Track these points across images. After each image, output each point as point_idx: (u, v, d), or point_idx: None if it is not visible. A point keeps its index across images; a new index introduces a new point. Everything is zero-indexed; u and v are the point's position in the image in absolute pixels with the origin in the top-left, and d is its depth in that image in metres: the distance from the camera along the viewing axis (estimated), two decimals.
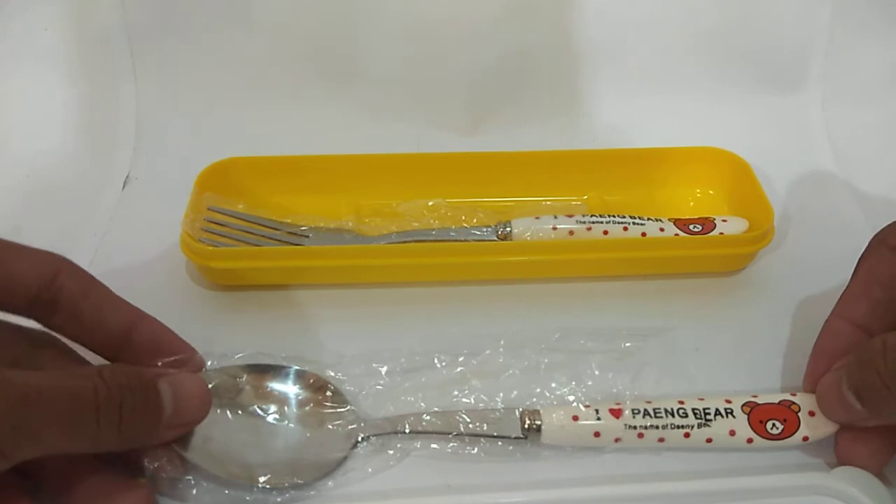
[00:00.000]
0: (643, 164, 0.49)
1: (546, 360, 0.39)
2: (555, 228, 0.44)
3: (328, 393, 0.37)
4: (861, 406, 0.32)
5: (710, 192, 0.49)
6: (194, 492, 0.33)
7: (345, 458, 0.35)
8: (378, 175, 0.48)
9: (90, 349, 0.34)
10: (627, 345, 0.40)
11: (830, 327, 0.36)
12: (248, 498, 0.33)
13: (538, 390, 0.38)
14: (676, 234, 0.44)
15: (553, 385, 0.38)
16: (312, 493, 0.34)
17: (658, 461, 0.36)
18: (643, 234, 0.44)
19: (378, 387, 0.38)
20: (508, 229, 0.44)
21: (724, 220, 0.45)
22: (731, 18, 0.52)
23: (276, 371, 0.37)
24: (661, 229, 0.44)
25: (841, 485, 0.34)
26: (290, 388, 0.37)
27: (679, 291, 0.44)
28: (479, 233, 0.44)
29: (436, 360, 0.38)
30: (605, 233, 0.44)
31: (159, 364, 0.34)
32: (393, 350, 0.39)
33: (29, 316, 0.33)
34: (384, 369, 0.38)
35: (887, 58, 0.53)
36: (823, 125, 0.53)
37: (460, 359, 0.39)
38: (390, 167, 0.48)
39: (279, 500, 0.34)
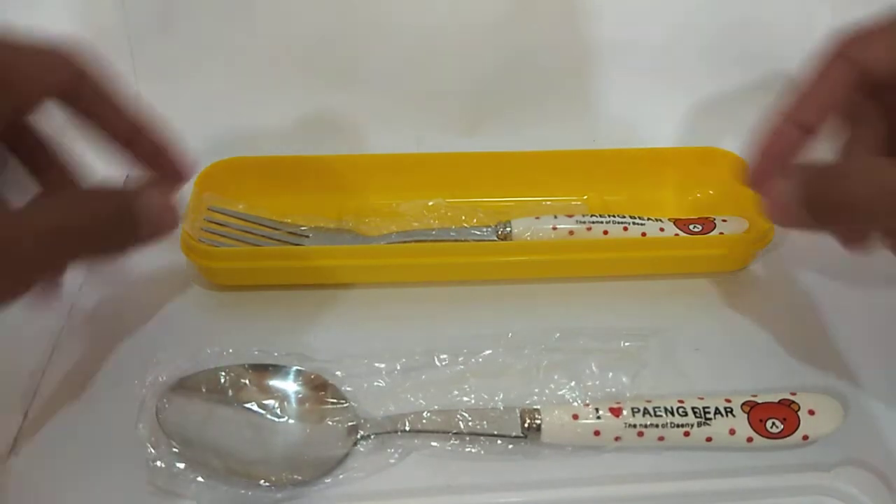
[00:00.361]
0: (643, 164, 0.49)
1: (546, 360, 0.39)
2: (555, 228, 0.44)
3: (328, 391, 0.37)
4: (813, 220, 0.33)
5: (710, 191, 0.49)
6: (194, 489, 0.33)
7: (345, 457, 0.35)
8: (378, 175, 0.48)
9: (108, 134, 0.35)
10: (627, 345, 0.40)
11: (777, 128, 0.36)
12: (248, 495, 0.33)
13: (538, 390, 0.38)
14: (676, 234, 0.44)
15: (553, 385, 0.38)
16: (312, 490, 0.34)
17: (658, 461, 0.36)
18: (643, 234, 0.44)
19: (378, 385, 0.38)
20: (508, 229, 0.44)
21: (724, 220, 0.45)
22: (731, 19, 0.52)
23: (277, 369, 0.37)
24: (661, 229, 0.44)
25: (841, 485, 0.34)
26: (290, 387, 0.37)
27: (679, 291, 0.44)
28: (479, 233, 0.45)
29: (436, 360, 0.39)
30: (605, 233, 0.44)
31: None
32: (393, 349, 0.39)
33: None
34: (384, 368, 0.38)
35: None
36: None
37: (460, 358, 0.39)
38: (391, 167, 0.48)
39: (279, 497, 0.34)
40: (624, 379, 0.38)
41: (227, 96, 0.53)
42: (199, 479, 0.34)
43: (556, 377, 0.38)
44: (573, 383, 0.38)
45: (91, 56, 0.34)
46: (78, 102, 0.34)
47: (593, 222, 0.44)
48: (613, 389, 0.38)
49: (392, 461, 0.35)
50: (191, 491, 0.34)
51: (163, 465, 0.34)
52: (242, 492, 0.34)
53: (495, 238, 0.44)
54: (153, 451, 0.34)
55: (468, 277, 0.44)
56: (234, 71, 0.53)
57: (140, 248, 0.33)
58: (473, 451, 0.35)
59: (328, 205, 0.47)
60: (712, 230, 0.44)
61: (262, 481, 0.33)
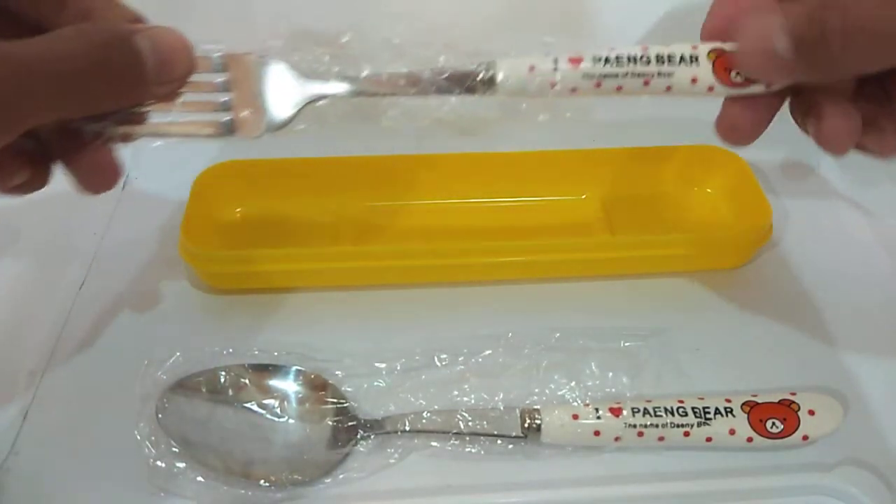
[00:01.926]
0: (642, 163, 0.49)
1: (546, 360, 0.39)
2: (553, 85, 0.34)
3: (328, 391, 0.37)
4: (793, 55, 0.28)
5: (708, 190, 0.49)
6: (194, 489, 0.33)
7: (345, 457, 0.35)
8: (378, 176, 0.48)
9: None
10: (627, 345, 0.40)
11: None
12: (248, 495, 0.33)
13: (538, 390, 0.38)
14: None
15: (553, 385, 0.38)
16: (312, 490, 0.34)
17: (658, 461, 0.36)
18: (668, 88, 0.33)
19: (378, 385, 0.38)
20: (491, 73, 0.34)
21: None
22: None
23: (277, 370, 0.37)
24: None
25: (841, 485, 0.34)
26: (290, 387, 0.37)
27: (679, 291, 0.44)
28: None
29: (436, 360, 0.39)
30: (619, 88, 0.33)
31: None
32: (393, 349, 0.39)
33: None
34: (384, 368, 0.38)
35: None
36: None
37: (460, 358, 0.39)
38: (391, 168, 0.48)
39: (279, 497, 0.34)
40: (624, 379, 0.38)
41: None
42: (199, 478, 0.34)
43: (556, 377, 0.38)
44: (573, 383, 0.38)
45: None
46: None
47: (605, 75, 0.33)
48: (613, 389, 0.38)
49: (392, 461, 0.35)
50: (191, 491, 0.34)
51: (163, 465, 0.34)
52: (242, 492, 0.34)
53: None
54: (153, 451, 0.34)
55: (468, 278, 0.44)
56: None
57: (153, 100, 0.31)
58: (473, 451, 0.35)
59: (328, 206, 0.48)
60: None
61: (262, 481, 0.33)
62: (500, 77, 0.34)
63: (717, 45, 0.33)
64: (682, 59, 0.33)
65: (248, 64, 0.34)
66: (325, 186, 0.48)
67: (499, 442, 0.35)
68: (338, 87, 0.35)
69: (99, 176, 0.32)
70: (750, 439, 0.35)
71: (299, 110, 0.34)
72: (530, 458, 0.35)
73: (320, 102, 0.35)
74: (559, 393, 0.38)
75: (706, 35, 0.34)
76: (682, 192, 0.49)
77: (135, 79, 0.30)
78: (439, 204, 0.48)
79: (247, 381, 0.36)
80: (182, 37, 0.32)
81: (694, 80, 0.33)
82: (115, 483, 0.34)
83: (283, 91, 0.34)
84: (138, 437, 0.35)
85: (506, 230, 0.47)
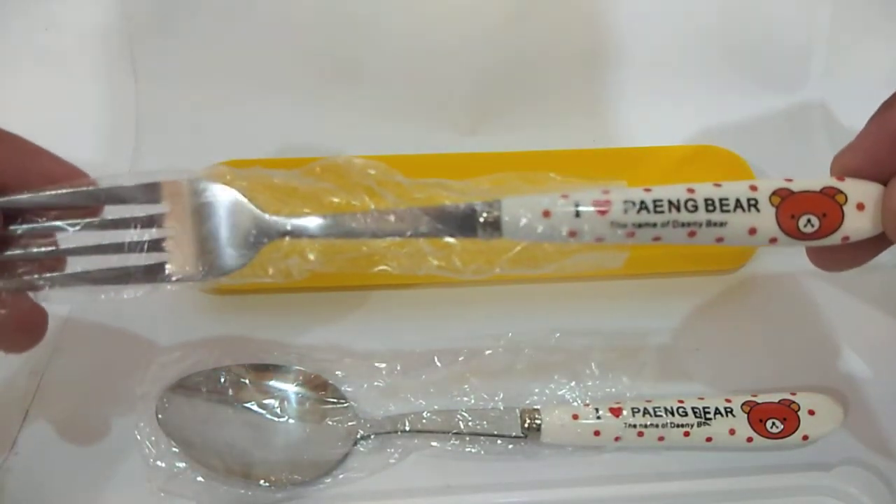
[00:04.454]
0: (642, 163, 0.49)
1: (546, 360, 0.39)
2: (574, 235, 0.29)
3: (328, 391, 0.37)
4: None
5: None
6: (194, 489, 0.34)
7: (344, 457, 0.35)
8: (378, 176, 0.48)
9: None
10: (627, 345, 0.40)
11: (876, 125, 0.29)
12: (248, 495, 0.34)
13: (538, 390, 0.38)
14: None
15: (553, 385, 0.38)
16: (312, 490, 0.34)
17: (658, 461, 0.36)
18: (719, 239, 0.28)
19: (378, 385, 0.38)
20: (496, 215, 0.28)
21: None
22: (730, 18, 0.52)
23: (277, 369, 0.37)
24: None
25: (841, 485, 0.34)
26: (290, 387, 0.37)
27: (678, 291, 0.44)
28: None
29: (436, 360, 0.39)
30: (657, 239, 0.28)
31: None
32: (393, 349, 0.39)
33: None
34: (384, 368, 0.38)
35: (887, 57, 0.53)
36: (823, 125, 0.53)
37: (460, 358, 0.39)
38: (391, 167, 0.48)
39: (279, 497, 0.34)
40: (624, 379, 0.38)
41: (228, 96, 0.53)
42: (199, 479, 0.34)
43: (556, 377, 0.38)
44: (573, 383, 0.38)
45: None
46: None
47: (640, 224, 0.28)
48: (613, 389, 0.38)
49: (392, 461, 0.35)
50: (191, 491, 0.34)
51: (163, 465, 0.34)
52: (242, 492, 0.34)
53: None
54: (153, 450, 0.34)
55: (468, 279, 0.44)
56: (234, 71, 0.53)
57: None
58: (473, 451, 0.35)
59: (325, 207, 0.47)
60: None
61: (262, 481, 0.34)
62: (505, 220, 0.28)
63: (781, 184, 0.28)
64: (738, 204, 0.28)
65: (187, 192, 0.28)
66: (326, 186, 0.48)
67: (499, 442, 0.35)
68: (309, 223, 0.29)
69: (17, 333, 0.28)
70: (750, 439, 0.35)
71: (256, 252, 0.28)
72: (530, 458, 0.36)
73: (288, 239, 0.29)
74: (559, 393, 0.38)
75: (836, 168, 0.29)
76: None
77: None
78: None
79: (247, 381, 0.36)
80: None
81: (752, 231, 0.28)
82: (115, 483, 0.34)
83: (234, 229, 0.28)
84: (138, 437, 0.35)
85: None
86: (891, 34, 0.52)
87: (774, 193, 0.28)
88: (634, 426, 0.35)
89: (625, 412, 0.35)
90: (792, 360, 0.40)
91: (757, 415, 0.35)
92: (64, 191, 0.28)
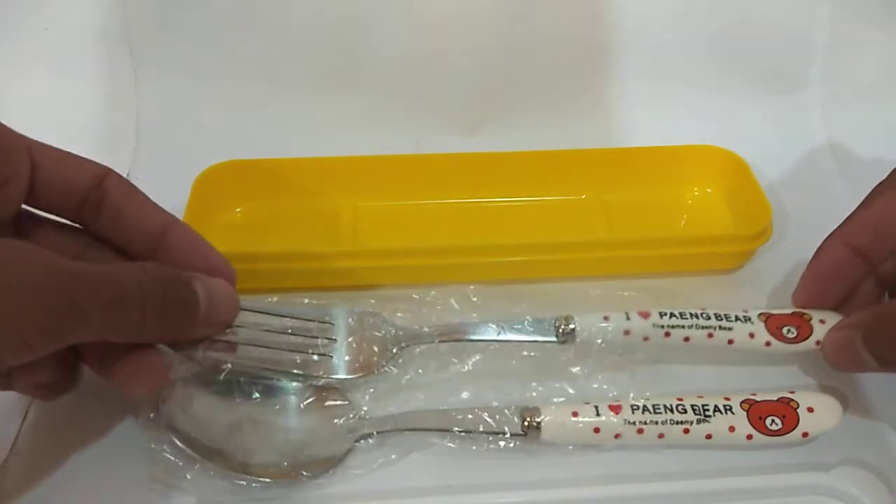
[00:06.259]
0: (642, 162, 0.49)
1: (546, 359, 0.39)
2: (627, 333, 0.38)
3: (330, 390, 0.37)
4: (878, 364, 0.33)
5: (708, 190, 0.49)
6: (196, 486, 0.34)
7: (345, 455, 0.35)
8: (378, 176, 0.48)
9: (129, 251, 0.35)
10: (627, 344, 0.40)
11: (830, 248, 0.37)
12: (248, 492, 0.33)
13: (538, 389, 0.38)
14: (768, 343, 0.38)
15: (553, 383, 0.38)
16: (312, 488, 0.34)
17: (658, 460, 0.36)
18: (730, 341, 0.38)
19: (378, 385, 0.38)
20: (572, 327, 0.38)
21: (822, 321, 0.38)
22: (730, 18, 0.53)
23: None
24: (752, 334, 0.38)
25: (841, 485, 0.34)
26: (291, 385, 0.37)
27: (678, 290, 0.44)
28: (532, 328, 0.39)
29: (436, 359, 0.38)
30: (687, 339, 0.38)
31: None
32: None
33: (77, 219, 0.34)
34: (385, 367, 0.38)
35: (887, 57, 0.53)
36: (823, 125, 0.53)
37: (460, 358, 0.39)
38: (390, 168, 0.48)
39: (280, 493, 0.34)
40: (624, 378, 0.38)
41: (227, 97, 0.53)
42: (200, 476, 0.34)
43: (556, 376, 0.38)
44: (573, 382, 0.38)
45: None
46: (103, 205, 0.33)
47: (672, 326, 0.38)
48: (613, 389, 0.38)
49: (392, 459, 0.35)
50: (191, 488, 0.34)
51: (164, 463, 0.34)
52: (243, 487, 0.34)
53: (555, 338, 0.38)
54: (153, 447, 0.34)
55: (468, 278, 0.44)
56: (234, 71, 0.53)
57: (191, 341, 0.33)
58: (474, 449, 0.35)
59: (327, 206, 0.47)
60: (809, 335, 0.38)
61: (263, 478, 0.33)
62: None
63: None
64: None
65: (348, 317, 0.38)
66: (326, 186, 0.48)
67: (499, 441, 0.35)
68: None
69: (140, 379, 0.32)
70: (750, 436, 0.35)
71: (390, 358, 0.38)
72: (530, 457, 0.35)
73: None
74: (559, 390, 0.38)
75: (797, 301, 0.39)
76: (682, 192, 0.49)
77: (188, 316, 0.32)
78: (439, 204, 0.48)
79: (249, 380, 0.36)
80: (231, 289, 0.34)
81: (752, 336, 0.38)
82: (116, 482, 0.34)
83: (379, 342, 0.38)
84: (139, 435, 0.35)
85: (506, 230, 0.47)
86: (891, 34, 0.52)
87: (761, 314, 0.38)
88: (634, 423, 0.35)
89: (624, 409, 0.35)
90: (791, 360, 0.40)
91: (756, 412, 0.35)
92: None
